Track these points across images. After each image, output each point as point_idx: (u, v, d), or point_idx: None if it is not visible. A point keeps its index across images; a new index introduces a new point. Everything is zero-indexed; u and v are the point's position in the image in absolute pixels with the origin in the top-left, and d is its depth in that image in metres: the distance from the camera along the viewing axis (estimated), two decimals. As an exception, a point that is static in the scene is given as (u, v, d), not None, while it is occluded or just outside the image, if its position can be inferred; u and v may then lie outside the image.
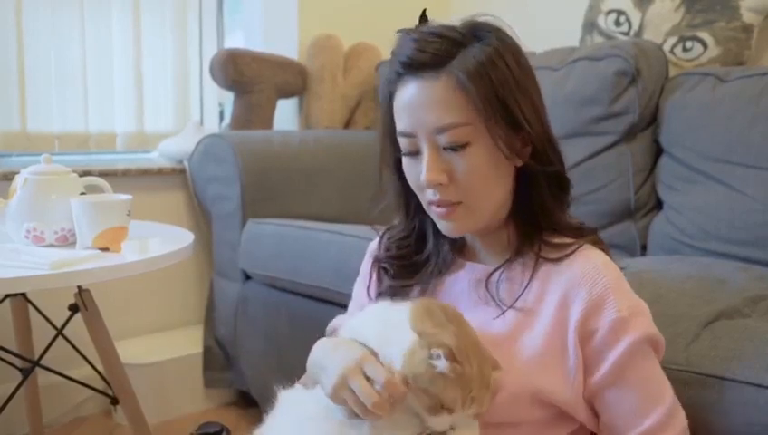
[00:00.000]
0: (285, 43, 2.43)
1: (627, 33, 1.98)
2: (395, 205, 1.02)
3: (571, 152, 1.75)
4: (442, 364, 0.78)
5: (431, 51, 0.87)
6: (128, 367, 1.51)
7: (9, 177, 1.57)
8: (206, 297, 2.19)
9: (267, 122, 2.31)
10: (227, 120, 2.37)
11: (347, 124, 2.43)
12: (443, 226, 0.94)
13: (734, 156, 1.58)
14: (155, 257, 1.31)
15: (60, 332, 1.47)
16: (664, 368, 1.02)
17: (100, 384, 1.54)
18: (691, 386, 1.02)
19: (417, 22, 0.94)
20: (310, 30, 2.42)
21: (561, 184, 0.94)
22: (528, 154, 0.92)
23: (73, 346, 1.54)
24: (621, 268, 0.94)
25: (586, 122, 1.78)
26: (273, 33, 2.46)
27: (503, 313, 0.92)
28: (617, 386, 0.88)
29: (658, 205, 1.76)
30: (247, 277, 1.96)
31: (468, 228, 0.94)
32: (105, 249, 1.32)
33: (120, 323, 2.04)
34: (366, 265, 1.09)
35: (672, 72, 1.84)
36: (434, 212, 0.93)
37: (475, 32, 0.89)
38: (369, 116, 2.46)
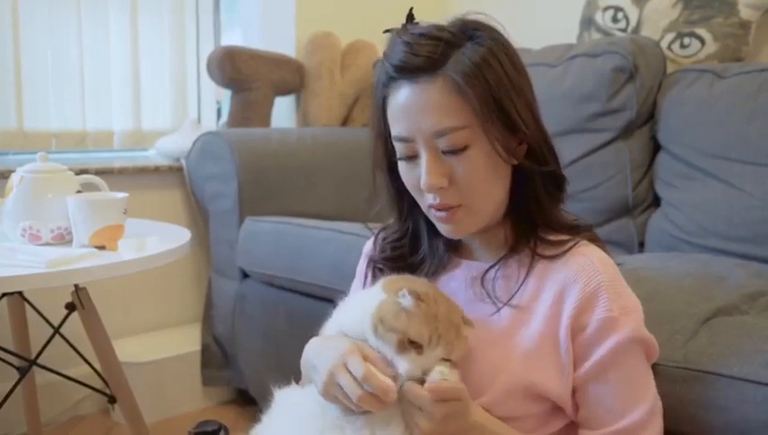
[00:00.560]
0: (283, 41, 2.42)
1: (624, 30, 1.98)
2: (388, 207, 1.01)
3: (569, 149, 1.76)
4: (407, 301, 0.82)
5: (424, 54, 0.86)
6: (125, 365, 1.51)
7: (5, 175, 1.57)
8: (203, 295, 2.19)
9: (265, 120, 2.30)
10: (225, 117, 2.37)
11: (344, 122, 2.42)
12: (444, 229, 0.94)
13: (732, 152, 1.58)
14: (152, 256, 1.31)
15: (57, 330, 1.46)
16: (662, 365, 1.02)
17: (97, 383, 1.54)
18: (689, 383, 1.02)
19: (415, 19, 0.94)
20: (307, 27, 2.41)
21: (557, 182, 0.94)
22: (523, 153, 0.91)
23: (71, 345, 1.53)
24: (618, 264, 0.94)
25: (584, 119, 1.78)
26: (271, 31, 2.46)
27: (498, 310, 0.92)
28: (598, 383, 0.88)
29: (656, 202, 1.76)
30: (245, 275, 1.95)
31: (469, 230, 0.94)
32: (102, 247, 1.31)
33: (117, 322, 2.04)
34: (362, 265, 1.09)
35: (670, 68, 1.84)
36: (434, 216, 0.93)
37: (467, 31, 0.89)
38: (366, 113, 2.45)
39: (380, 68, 0.92)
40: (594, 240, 0.95)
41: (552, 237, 0.94)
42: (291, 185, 2.02)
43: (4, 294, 1.53)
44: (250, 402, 2.06)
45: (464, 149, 0.87)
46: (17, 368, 1.46)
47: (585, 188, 1.76)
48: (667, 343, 1.05)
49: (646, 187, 1.77)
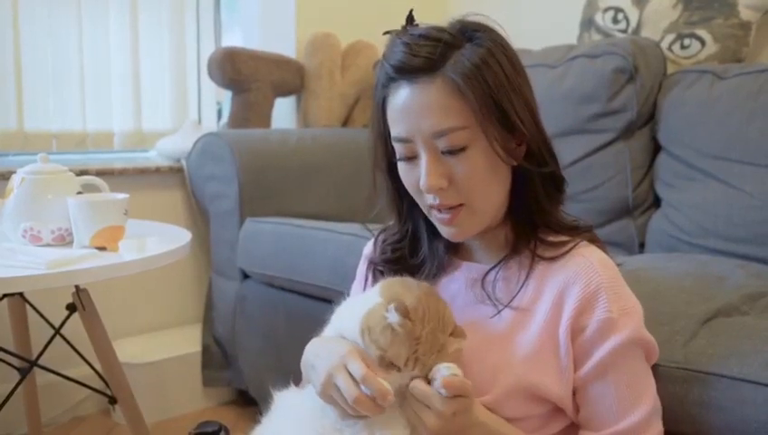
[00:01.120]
0: (283, 42, 2.42)
1: (625, 31, 1.98)
2: (388, 208, 1.01)
3: (569, 150, 1.76)
4: (393, 317, 0.81)
5: (423, 55, 0.86)
6: (126, 366, 1.51)
7: (6, 176, 1.57)
8: (204, 296, 2.19)
9: (265, 121, 2.30)
10: (225, 118, 2.37)
11: (345, 122, 2.42)
12: (446, 231, 0.94)
13: (733, 153, 1.58)
14: (152, 256, 1.31)
15: (57, 331, 1.46)
16: (662, 365, 1.02)
17: (98, 384, 1.54)
18: (689, 384, 1.02)
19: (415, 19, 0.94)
20: (307, 28, 2.41)
21: (556, 183, 0.94)
22: (523, 154, 0.91)
23: (71, 346, 1.54)
24: (618, 265, 0.94)
25: (584, 120, 1.78)
26: (271, 32, 2.46)
27: (498, 312, 0.92)
28: (598, 384, 0.88)
29: (656, 202, 1.76)
30: (245, 276, 1.95)
31: (471, 232, 0.93)
32: (102, 248, 1.32)
33: (117, 323, 2.04)
34: (362, 266, 1.09)
35: (670, 69, 1.84)
36: (436, 218, 0.93)
37: (466, 32, 0.89)
38: (367, 114, 2.45)
39: (380, 69, 0.92)
40: (594, 241, 0.96)
41: (552, 238, 0.94)
42: (291, 186, 2.02)
43: (5, 295, 1.53)
44: (250, 403, 2.06)
45: (463, 149, 0.87)
46: (18, 369, 1.46)
47: (585, 189, 1.76)
48: (667, 344, 1.05)
49: (646, 187, 1.77)
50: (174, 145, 2.22)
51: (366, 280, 1.06)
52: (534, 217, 0.94)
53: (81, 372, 1.61)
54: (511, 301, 0.92)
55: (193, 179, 2.11)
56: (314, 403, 0.87)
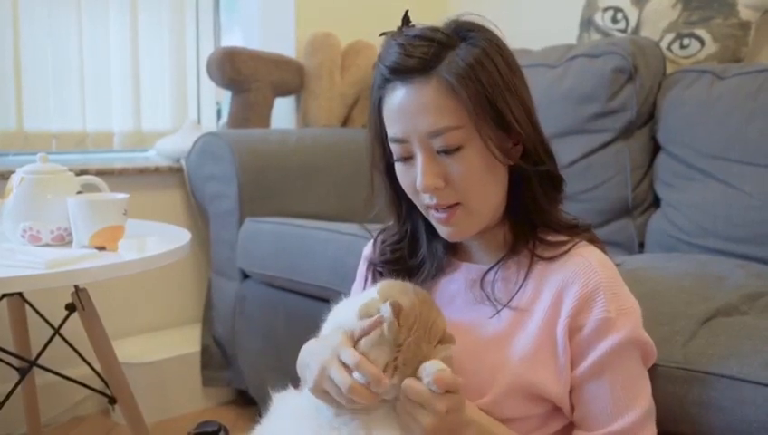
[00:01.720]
0: (283, 42, 2.42)
1: (624, 31, 1.98)
2: (387, 209, 1.01)
3: (569, 150, 1.76)
4: (386, 312, 0.80)
5: (418, 55, 0.86)
6: (125, 366, 1.51)
7: (6, 176, 1.57)
8: (203, 296, 2.19)
9: (264, 121, 2.30)
10: (225, 118, 2.37)
11: (344, 122, 2.42)
12: (444, 231, 0.94)
13: (732, 153, 1.58)
14: (152, 256, 1.31)
15: (57, 331, 1.46)
16: (661, 365, 1.02)
17: (97, 384, 1.54)
18: (688, 383, 1.02)
19: (414, 20, 0.94)
20: (307, 28, 2.41)
21: (554, 182, 0.94)
22: (519, 154, 0.91)
23: (71, 346, 1.53)
24: (617, 264, 0.94)
25: (583, 120, 1.78)
26: (271, 32, 2.46)
27: (497, 312, 0.92)
28: (594, 384, 0.88)
29: (656, 202, 1.76)
30: (245, 276, 1.95)
31: (469, 232, 0.93)
32: (102, 248, 1.31)
33: (117, 323, 2.04)
34: (362, 267, 1.09)
35: (669, 69, 1.84)
36: (433, 217, 0.93)
37: (461, 32, 0.89)
38: (366, 114, 2.44)
39: (375, 70, 0.92)
40: (593, 241, 0.95)
41: (551, 238, 0.94)
42: (291, 186, 2.02)
43: (4, 295, 1.53)
44: (250, 403, 2.06)
45: (458, 149, 0.87)
46: (17, 369, 1.46)
47: (585, 189, 1.76)
48: (666, 344, 1.05)
49: (645, 187, 1.77)
50: (173, 145, 2.22)
51: (366, 281, 1.06)
52: (533, 216, 0.94)
53: (81, 372, 1.61)
54: (510, 301, 0.92)
55: (192, 179, 2.11)
56: (311, 404, 0.87)
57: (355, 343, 0.83)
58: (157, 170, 2.18)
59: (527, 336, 0.90)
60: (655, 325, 1.08)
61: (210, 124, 2.50)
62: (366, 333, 0.82)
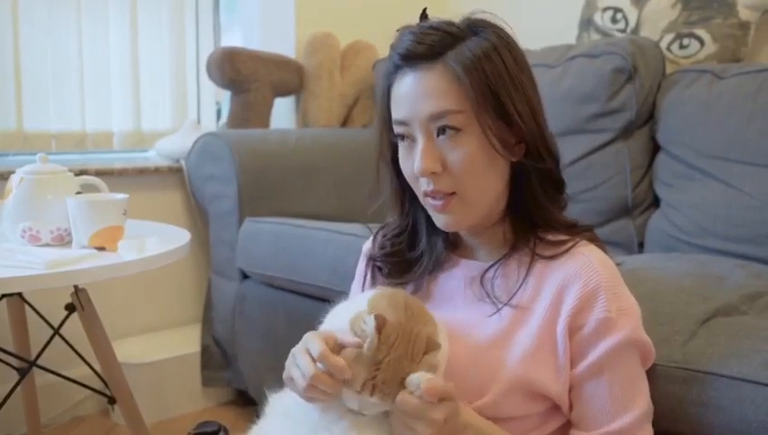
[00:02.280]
0: (282, 42, 2.42)
1: (624, 31, 1.98)
2: (390, 200, 1.02)
3: (569, 150, 1.76)
4: (369, 326, 0.79)
5: (428, 42, 0.89)
6: (125, 366, 1.51)
7: (5, 176, 1.57)
8: (203, 296, 2.19)
9: (264, 121, 2.30)
10: (224, 118, 2.37)
11: (344, 122, 2.42)
12: (439, 219, 0.94)
13: (732, 153, 1.58)
14: (151, 257, 1.31)
15: (57, 331, 1.46)
16: (661, 365, 1.02)
17: (97, 384, 1.54)
18: (688, 383, 1.02)
19: (414, 19, 0.95)
20: (307, 28, 2.41)
21: (555, 183, 0.95)
22: (522, 152, 0.92)
23: (70, 346, 1.54)
24: (618, 264, 0.94)
25: (583, 120, 1.78)
26: (270, 32, 2.46)
27: (498, 310, 0.92)
28: (592, 383, 0.89)
29: (656, 202, 1.76)
30: (245, 276, 1.95)
31: (464, 222, 0.94)
32: (101, 249, 1.31)
33: (117, 323, 2.04)
34: (361, 264, 1.09)
35: (669, 69, 1.84)
36: (429, 205, 0.93)
37: (474, 27, 0.91)
38: (366, 114, 2.45)
39: (388, 59, 0.94)
40: (594, 240, 0.96)
41: (552, 237, 0.94)
42: (290, 186, 2.02)
43: (4, 296, 1.53)
44: (250, 403, 2.06)
45: (457, 133, 0.88)
46: (17, 369, 1.46)
47: (585, 189, 1.76)
48: (666, 344, 1.05)
49: (645, 187, 1.77)
50: (173, 145, 2.22)
51: (365, 278, 1.06)
52: (534, 215, 0.94)
53: (81, 372, 1.61)
54: (510, 299, 0.92)
55: (192, 179, 2.11)
56: (304, 403, 0.87)
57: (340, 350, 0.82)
58: (156, 171, 2.18)
59: (527, 334, 0.90)
60: (654, 325, 1.08)
61: (210, 124, 2.50)
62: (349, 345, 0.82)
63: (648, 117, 1.78)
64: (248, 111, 2.25)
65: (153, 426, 1.89)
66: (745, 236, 1.52)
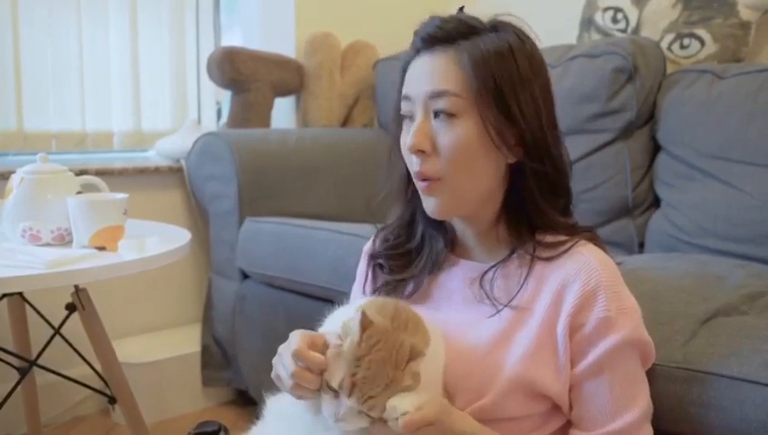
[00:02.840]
0: (283, 42, 2.42)
1: (624, 31, 1.98)
2: (396, 189, 1.02)
3: (569, 150, 1.75)
4: (354, 323, 0.78)
5: (447, 29, 0.92)
6: (125, 366, 1.51)
7: (6, 176, 1.57)
8: (203, 296, 2.19)
9: (264, 121, 2.30)
10: (224, 118, 2.37)
11: (344, 122, 2.42)
12: (426, 203, 0.95)
13: (732, 153, 1.58)
14: (152, 256, 1.31)
15: (57, 331, 1.46)
16: (661, 365, 1.02)
17: (97, 384, 1.54)
18: (688, 383, 1.02)
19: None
20: (307, 28, 2.41)
21: (554, 188, 0.95)
22: (520, 153, 0.92)
23: (71, 345, 1.54)
24: (618, 263, 0.94)
25: (583, 120, 1.78)
26: (271, 32, 2.46)
27: (498, 312, 0.92)
28: (592, 382, 0.89)
29: (656, 202, 1.76)
30: (245, 276, 1.95)
31: (449, 210, 0.94)
32: (102, 248, 1.32)
33: (117, 323, 2.04)
34: (362, 265, 1.09)
35: (669, 69, 1.84)
36: (419, 187, 0.95)
37: (496, 26, 0.93)
38: (366, 114, 2.45)
39: (411, 43, 0.97)
40: (592, 239, 0.95)
41: (551, 238, 0.94)
42: (290, 186, 2.02)
43: (5, 295, 1.53)
44: (250, 403, 2.06)
45: (453, 116, 0.90)
46: (17, 368, 1.46)
47: (585, 189, 1.76)
48: (666, 344, 1.05)
49: (645, 187, 1.77)
50: (173, 145, 2.22)
51: (366, 278, 1.06)
52: (532, 217, 0.94)
53: (81, 371, 1.61)
54: (510, 301, 0.92)
55: (192, 179, 2.11)
56: (301, 405, 0.87)
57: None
58: (157, 170, 2.18)
59: (527, 335, 0.90)
60: (655, 325, 1.08)
61: (210, 124, 2.50)
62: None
63: (649, 117, 1.78)
64: (248, 110, 2.25)
65: (153, 426, 1.89)
66: (746, 236, 1.52)
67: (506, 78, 0.89)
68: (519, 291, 0.92)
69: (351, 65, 2.40)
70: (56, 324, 1.47)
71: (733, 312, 1.16)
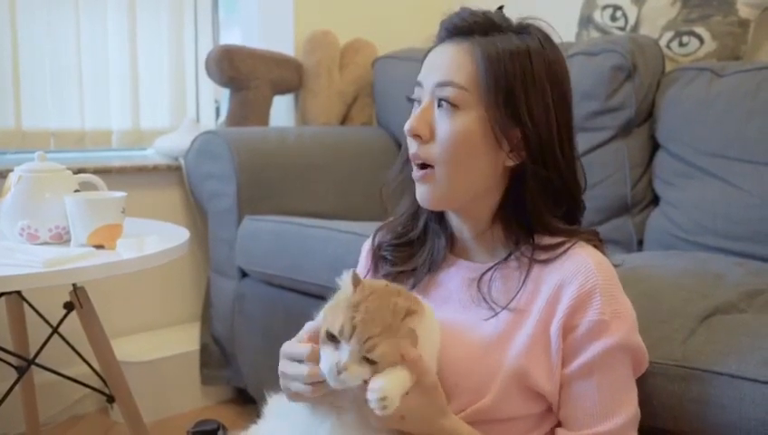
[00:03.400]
0: (281, 40, 2.42)
1: (623, 28, 1.98)
2: (408, 178, 1.01)
3: (568, 148, 1.75)
4: (344, 277, 0.82)
5: (471, 21, 0.92)
6: (124, 365, 1.51)
7: (3, 174, 1.57)
8: (202, 294, 2.19)
9: (263, 119, 2.30)
10: (223, 116, 2.37)
11: (343, 120, 2.42)
12: (418, 191, 0.96)
13: (731, 151, 1.58)
14: (150, 255, 1.31)
15: (55, 330, 1.46)
16: (660, 363, 1.02)
17: (96, 382, 1.54)
18: (687, 381, 1.02)
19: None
20: (306, 26, 2.41)
21: (556, 196, 0.94)
22: (521, 157, 0.92)
23: (69, 344, 1.53)
24: (616, 265, 0.94)
25: (582, 118, 1.78)
26: (269, 30, 2.45)
27: (495, 314, 0.92)
28: (581, 383, 0.88)
29: (655, 200, 1.76)
30: (244, 274, 1.95)
31: (439, 200, 0.95)
32: (100, 247, 1.31)
33: (115, 321, 2.04)
34: (361, 262, 1.09)
35: (668, 67, 1.83)
36: (414, 175, 0.95)
37: (520, 28, 0.94)
38: (365, 112, 2.45)
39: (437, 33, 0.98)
40: (590, 240, 0.95)
41: (549, 241, 0.94)
42: (289, 184, 2.01)
43: (2, 294, 1.53)
44: (249, 401, 2.06)
45: (455, 108, 0.90)
46: (16, 367, 1.46)
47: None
48: (665, 342, 1.05)
49: (644, 185, 1.77)
50: (172, 143, 2.22)
51: (367, 273, 1.06)
52: (531, 219, 0.94)
53: (79, 370, 1.61)
54: (508, 304, 0.92)
55: (191, 178, 2.11)
56: (301, 405, 0.87)
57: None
58: (155, 169, 2.18)
59: (524, 333, 0.90)
60: (653, 323, 1.08)
61: (209, 122, 2.49)
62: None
63: (648, 115, 1.78)
64: (247, 109, 2.25)
65: (152, 424, 1.89)
66: (744, 233, 1.52)
67: (519, 78, 0.89)
68: (517, 294, 0.92)
69: (350, 63, 2.40)
70: (54, 323, 1.46)
71: (732, 310, 1.16)
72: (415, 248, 1.02)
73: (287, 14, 2.42)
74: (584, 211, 0.99)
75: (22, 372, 1.43)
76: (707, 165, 1.62)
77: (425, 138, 0.92)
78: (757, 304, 1.20)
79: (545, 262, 0.92)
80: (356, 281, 0.82)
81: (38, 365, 1.44)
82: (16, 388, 1.42)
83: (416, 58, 1.04)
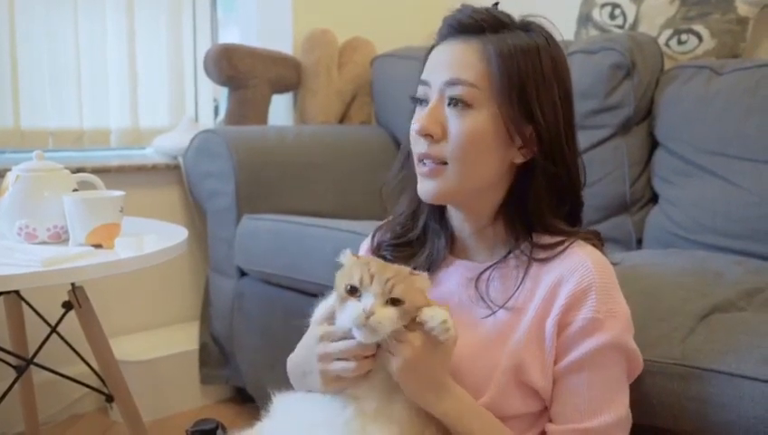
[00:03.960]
0: (280, 39, 2.42)
1: (622, 27, 1.97)
2: (410, 175, 1.01)
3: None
4: (344, 253, 0.86)
5: (478, 19, 0.91)
6: (123, 364, 1.51)
7: (2, 174, 1.56)
8: (201, 294, 2.18)
9: (262, 118, 2.30)
10: (222, 115, 2.36)
11: (342, 119, 2.42)
12: (422, 187, 0.95)
13: (730, 149, 1.58)
14: (149, 254, 1.31)
15: (54, 329, 1.46)
16: (659, 362, 1.02)
17: (95, 382, 1.54)
18: (687, 380, 1.02)
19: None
20: (304, 25, 2.41)
21: (561, 193, 0.94)
22: (531, 153, 0.92)
23: (68, 344, 1.53)
24: (615, 264, 0.94)
25: (581, 116, 1.78)
26: (268, 28, 2.45)
27: (493, 313, 0.92)
28: (572, 379, 0.88)
29: (654, 198, 1.76)
30: (243, 273, 1.95)
31: (444, 196, 0.94)
32: (98, 246, 1.31)
33: (114, 320, 2.03)
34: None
35: (667, 64, 1.83)
36: (419, 171, 0.94)
37: (526, 26, 0.94)
38: (364, 111, 2.45)
39: (438, 28, 0.97)
40: (588, 239, 0.95)
41: (548, 239, 0.94)
42: (288, 183, 2.01)
43: (1, 293, 1.53)
44: (248, 400, 2.06)
45: (467, 107, 0.90)
46: (14, 367, 1.45)
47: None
48: (664, 340, 1.05)
49: (643, 183, 1.77)
50: (171, 142, 2.22)
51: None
52: (533, 218, 0.94)
53: (78, 370, 1.61)
54: (506, 303, 0.92)
55: (190, 177, 2.11)
56: (322, 409, 0.87)
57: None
58: (154, 168, 2.18)
59: (521, 333, 0.90)
60: (653, 322, 1.08)
61: (207, 121, 2.49)
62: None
63: (647, 113, 1.78)
64: (246, 107, 2.25)
65: (151, 424, 1.89)
66: (744, 232, 1.52)
67: (531, 75, 0.89)
68: (515, 293, 0.92)
69: (349, 62, 2.39)
70: (53, 323, 1.46)
71: (731, 308, 1.16)
72: (414, 248, 1.02)
73: (286, 13, 2.41)
74: (583, 208, 0.99)
75: (21, 371, 1.43)
76: (706, 163, 1.62)
77: (436, 137, 0.91)
78: (756, 302, 1.20)
79: (544, 260, 0.92)
80: (354, 256, 0.87)
81: (37, 365, 1.44)
82: (15, 387, 1.42)
83: (415, 56, 1.03)
